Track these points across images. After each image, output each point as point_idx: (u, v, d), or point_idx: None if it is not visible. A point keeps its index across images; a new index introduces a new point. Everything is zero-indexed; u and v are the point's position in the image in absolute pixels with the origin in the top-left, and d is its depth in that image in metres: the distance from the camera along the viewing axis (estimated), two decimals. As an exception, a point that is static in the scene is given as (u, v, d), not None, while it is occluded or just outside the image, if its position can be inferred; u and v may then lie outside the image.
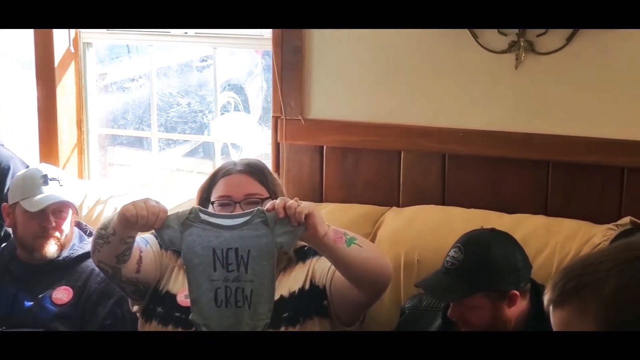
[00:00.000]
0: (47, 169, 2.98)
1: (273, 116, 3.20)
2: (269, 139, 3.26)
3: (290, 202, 2.27)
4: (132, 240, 2.42)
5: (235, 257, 2.29)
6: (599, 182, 2.80)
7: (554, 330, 1.24)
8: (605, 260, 1.25)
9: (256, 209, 2.33)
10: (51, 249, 2.90)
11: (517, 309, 2.35)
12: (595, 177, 2.80)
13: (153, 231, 2.37)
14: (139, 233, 2.43)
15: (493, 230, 2.43)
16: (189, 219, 2.31)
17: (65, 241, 2.93)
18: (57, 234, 2.90)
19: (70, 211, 2.93)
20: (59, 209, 2.91)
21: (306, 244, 2.42)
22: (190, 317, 2.32)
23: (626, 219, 2.69)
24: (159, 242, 2.52)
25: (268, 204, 2.30)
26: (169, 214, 2.33)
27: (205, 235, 2.31)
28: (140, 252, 2.52)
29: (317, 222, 2.26)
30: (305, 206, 2.26)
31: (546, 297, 1.29)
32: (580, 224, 2.73)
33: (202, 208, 2.38)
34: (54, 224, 2.89)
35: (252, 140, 4.34)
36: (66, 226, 2.93)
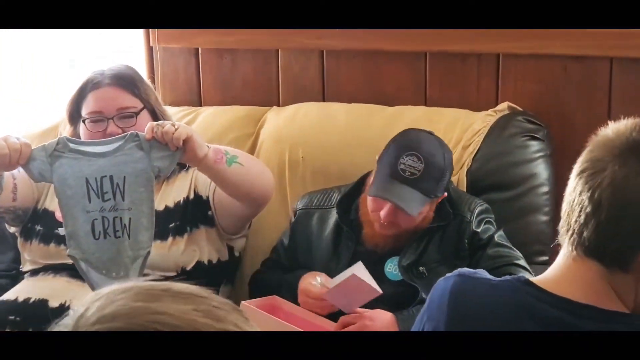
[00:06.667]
0: None
1: (144, 19, 3.09)
2: (141, 43, 3.16)
3: (167, 127, 2.20)
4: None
5: (111, 185, 2.21)
6: (475, 69, 2.82)
7: None
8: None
9: (129, 133, 2.25)
10: None
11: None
12: (472, 65, 2.82)
13: None
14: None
15: (433, 134, 2.40)
16: (57, 150, 2.22)
17: None
18: None
19: None
20: None
21: None
22: (67, 252, 2.25)
23: (504, 105, 2.74)
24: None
25: (146, 131, 2.22)
26: (33, 147, 2.23)
27: (77, 164, 2.21)
28: (14, 179, 2.44)
29: (196, 145, 2.21)
30: (183, 131, 2.20)
31: None
32: (460, 112, 2.76)
33: (70, 137, 2.29)
34: None
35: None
36: None
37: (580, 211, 1.32)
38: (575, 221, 1.33)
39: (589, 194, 1.31)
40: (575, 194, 1.34)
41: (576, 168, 1.36)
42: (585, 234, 1.32)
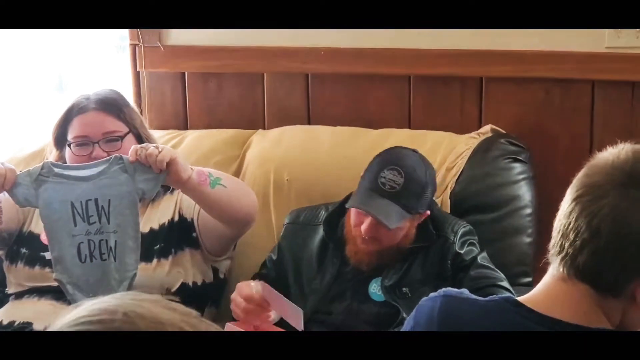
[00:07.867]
0: None
1: (130, 44, 3.11)
2: (127, 67, 3.17)
3: (151, 149, 2.22)
4: None
5: (96, 209, 2.22)
6: (458, 93, 2.85)
7: None
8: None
9: (113, 156, 2.27)
10: None
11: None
12: (455, 88, 2.85)
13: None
14: None
15: (417, 152, 2.42)
16: (42, 175, 2.23)
17: None
18: None
19: None
20: None
21: None
22: (54, 276, 2.26)
23: (487, 127, 2.77)
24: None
25: (130, 154, 2.24)
26: (18, 172, 2.24)
27: (62, 189, 2.23)
28: None
29: (180, 168, 2.23)
30: (166, 153, 2.22)
31: None
32: (444, 135, 2.78)
33: (55, 162, 2.31)
34: None
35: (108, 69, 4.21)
36: None
37: (576, 236, 1.31)
38: (570, 245, 1.32)
39: (586, 220, 1.30)
40: (571, 219, 1.32)
41: (572, 192, 1.34)
42: (579, 258, 1.31)
